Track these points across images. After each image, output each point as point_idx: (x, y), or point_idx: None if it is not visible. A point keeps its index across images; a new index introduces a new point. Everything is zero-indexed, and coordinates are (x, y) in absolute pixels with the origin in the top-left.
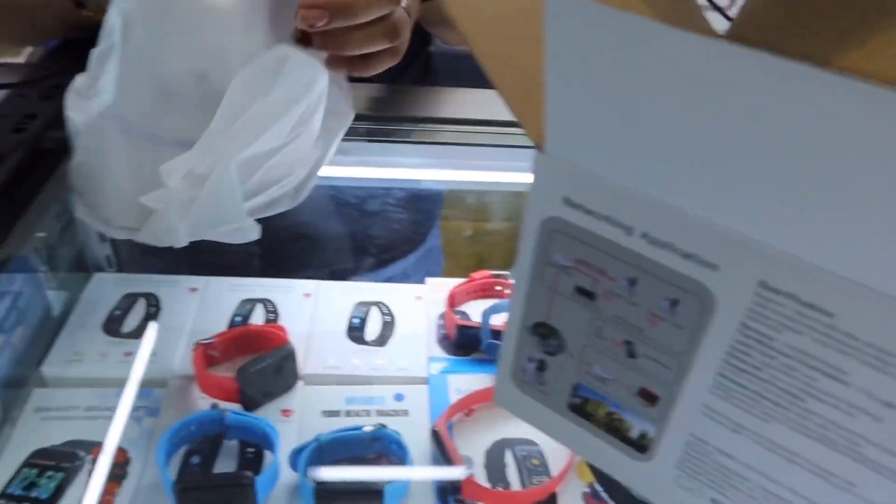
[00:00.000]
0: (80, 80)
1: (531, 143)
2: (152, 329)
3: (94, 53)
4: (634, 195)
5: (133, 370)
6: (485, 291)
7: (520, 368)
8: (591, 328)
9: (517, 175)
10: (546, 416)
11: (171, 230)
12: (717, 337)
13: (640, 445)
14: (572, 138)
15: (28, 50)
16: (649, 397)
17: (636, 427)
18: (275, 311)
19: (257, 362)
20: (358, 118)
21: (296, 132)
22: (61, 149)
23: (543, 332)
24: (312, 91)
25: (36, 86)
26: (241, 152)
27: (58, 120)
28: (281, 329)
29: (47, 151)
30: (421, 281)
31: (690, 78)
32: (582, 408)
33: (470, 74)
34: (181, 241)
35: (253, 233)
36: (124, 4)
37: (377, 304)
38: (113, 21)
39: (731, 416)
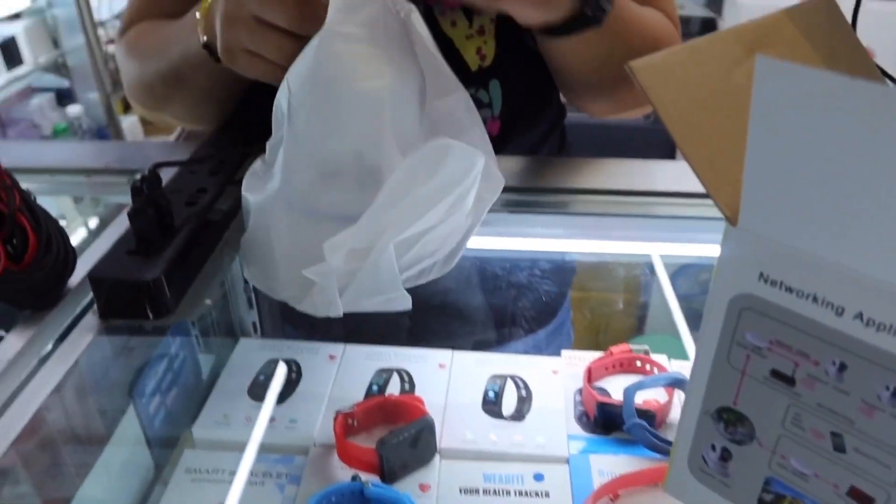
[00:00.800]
0: (257, 164)
1: (662, 213)
2: (273, 391)
3: (269, 143)
4: (847, 272)
5: (255, 430)
6: (624, 367)
7: (699, 456)
8: (788, 416)
9: (648, 245)
10: None
11: (329, 302)
12: None
13: None
14: (772, 211)
15: (177, 130)
16: (862, 499)
17: None
18: (410, 381)
19: (397, 434)
20: None
21: (451, 211)
22: (225, 221)
23: (729, 419)
24: (470, 176)
25: (205, 163)
26: (401, 234)
27: (223, 194)
28: (419, 400)
29: (213, 223)
30: (553, 355)
31: None
32: None
33: (602, 147)
34: (338, 312)
35: (406, 302)
36: (289, 93)
37: (512, 377)
38: (280, 110)
39: None
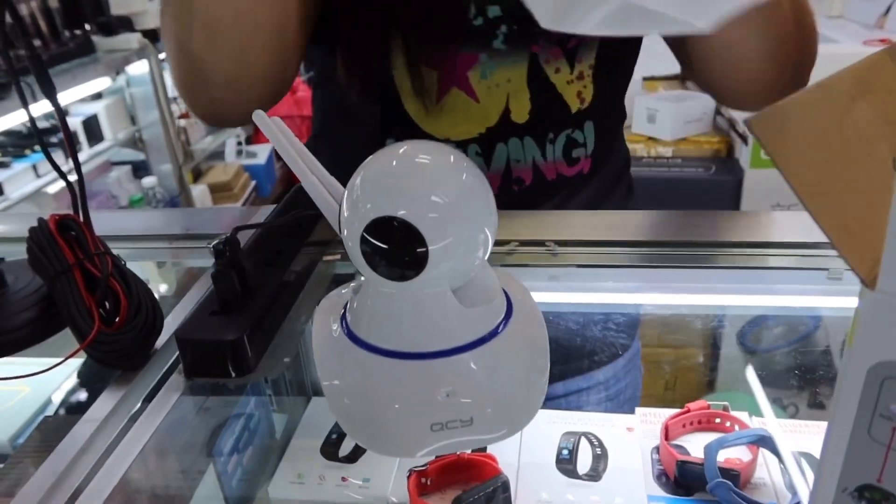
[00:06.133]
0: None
1: (731, 264)
2: None
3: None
4: None
5: None
6: (702, 424)
7: None
8: None
9: (720, 297)
10: None
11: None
12: None
13: None
14: None
15: (244, 196)
16: None
17: None
18: None
19: (473, 493)
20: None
21: None
22: (300, 281)
23: (874, 497)
24: None
25: (282, 224)
26: None
27: (297, 256)
28: (492, 458)
29: (289, 283)
30: (628, 393)
31: None
32: None
33: (663, 197)
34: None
35: None
36: None
37: (586, 434)
38: None
39: None
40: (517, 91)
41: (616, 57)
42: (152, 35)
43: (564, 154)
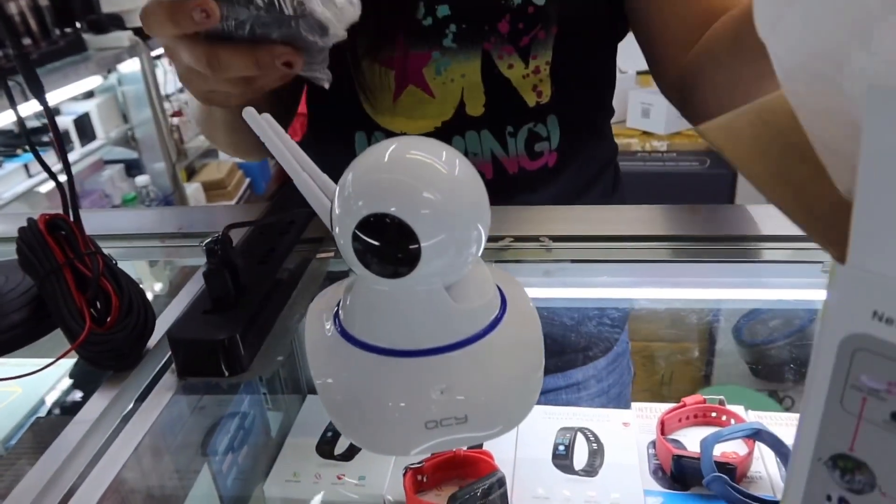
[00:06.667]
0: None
1: (728, 258)
2: None
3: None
4: None
5: None
6: (698, 418)
7: None
8: None
9: (715, 291)
10: None
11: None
12: None
13: None
14: (887, 247)
15: (238, 193)
16: None
17: None
18: None
19: (469, 490)
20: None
21: None
22: (293, 280)
23: (846, 466)
24: None
25: (274, 222)
26: None
27: (291, 253)
28: (488, 455)
29: (282, 282)
30: (617, 389)
31: None
32: None
33: (656, 192)
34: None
35: None
36: None
37: (582, 429)
38: None
39: None
40: (472, 85)
41: (574, 55)
42: (143, 33)
43: (527, 148)
